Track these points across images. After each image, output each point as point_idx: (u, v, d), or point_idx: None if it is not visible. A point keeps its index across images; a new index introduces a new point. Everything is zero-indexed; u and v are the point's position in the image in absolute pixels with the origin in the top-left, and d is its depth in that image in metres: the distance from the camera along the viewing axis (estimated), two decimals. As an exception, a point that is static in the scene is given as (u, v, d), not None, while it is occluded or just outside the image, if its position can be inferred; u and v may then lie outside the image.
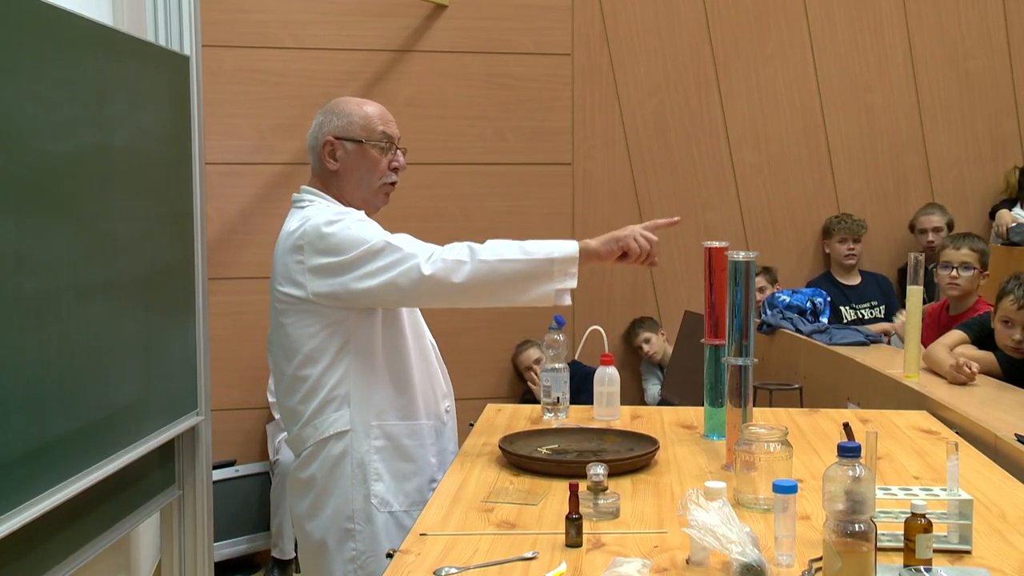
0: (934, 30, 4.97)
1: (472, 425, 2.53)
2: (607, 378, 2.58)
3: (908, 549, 1.49)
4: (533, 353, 4.64)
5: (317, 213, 2.25)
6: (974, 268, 3.59)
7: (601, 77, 4.82)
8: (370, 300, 2.21)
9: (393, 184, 2.39)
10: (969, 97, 5.00)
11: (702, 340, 2.37)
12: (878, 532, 1.47)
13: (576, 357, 4.10)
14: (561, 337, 2.55)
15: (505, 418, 2.61)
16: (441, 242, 2.26)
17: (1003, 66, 5.00)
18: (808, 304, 4.12)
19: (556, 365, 2.55)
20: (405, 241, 2.21)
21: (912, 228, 4.88)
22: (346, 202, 2.32)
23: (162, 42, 3.15)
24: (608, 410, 2.58)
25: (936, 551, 1.54)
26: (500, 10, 4.69)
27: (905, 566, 1.48)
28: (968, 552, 1.61)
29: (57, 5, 2.35)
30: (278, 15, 4.53)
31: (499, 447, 2.17)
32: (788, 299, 4.17)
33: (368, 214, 2.31)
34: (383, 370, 2.26)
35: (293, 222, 2.28)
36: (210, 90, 3.79)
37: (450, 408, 2.45)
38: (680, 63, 4.86)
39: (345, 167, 2.32)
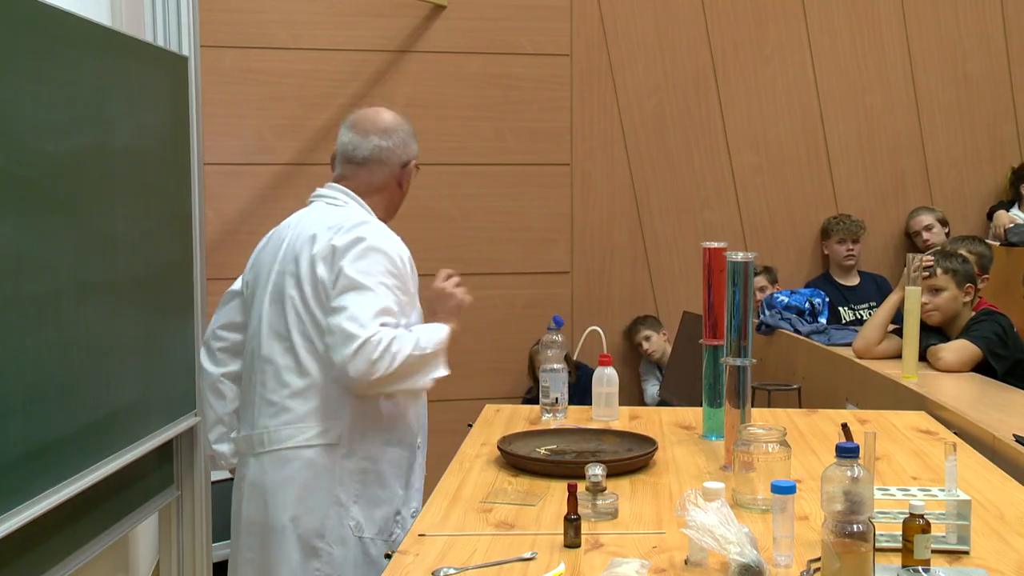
0: (932, 32, 4.97)
1: (471, 425, 2.53)
2: (605, 379, 2.58)
3: (906, 549, 1.50)
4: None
5: (375, 228, 2.17)
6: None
7: (600, 78, 4.82)
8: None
9: None
10: (967, 98, 5.01)
11: (701, 341, 2.37)
12: (876, 532, 1.47)
13: (575, 358, 4.10)
14: (560, 338, 2.55)
15: (504, 418, 2.60)
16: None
17: (1001, 68, 5.01)
18: (807, 305, 4.12)
19: (555, 365, 2.55)
20: (387, 335, 2.05)
21: (908, 235, 4.91)
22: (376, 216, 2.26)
23: (161, 42, 3.16)
24: (607, 410, 2.58)
25: (934, 551, 1.55)
26: (499, 10, 4.69)
27: (903, 566, 1.48)
28: (966, 552, 1.61)
29: (56, 5, 2.35)
30: (277, 15, 4.53)
31: (498, 448, 2.17)
32: (786, 299, 4.18)
33: None
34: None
35: (332, 216, 2.17)
36: (209, 90, 3.79)
37: (423, 443, 2.35)
38: (679, 64, 4.86)
39: (404, 194, 2.31)
